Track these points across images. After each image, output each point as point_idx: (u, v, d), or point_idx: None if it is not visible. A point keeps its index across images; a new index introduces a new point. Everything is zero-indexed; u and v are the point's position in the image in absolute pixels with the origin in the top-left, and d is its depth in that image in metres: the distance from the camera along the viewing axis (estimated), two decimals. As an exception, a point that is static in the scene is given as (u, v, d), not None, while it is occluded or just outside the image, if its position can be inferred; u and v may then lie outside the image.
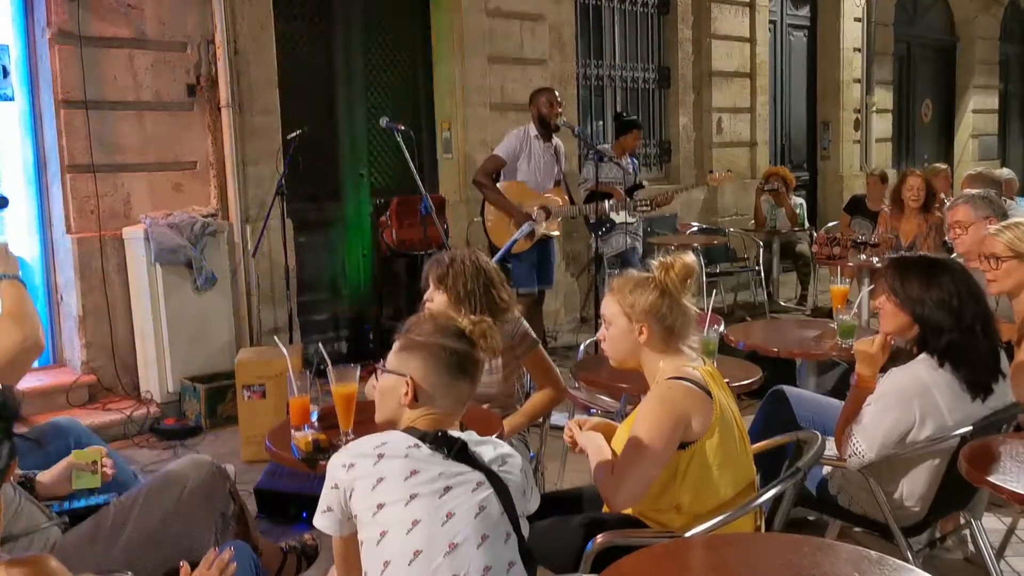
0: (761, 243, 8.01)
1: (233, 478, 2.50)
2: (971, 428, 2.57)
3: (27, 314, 2.24)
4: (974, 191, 4.12)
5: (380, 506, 1.86)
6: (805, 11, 10.75)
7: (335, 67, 6.41)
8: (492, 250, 5.42)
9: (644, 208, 6.49)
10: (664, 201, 6.77)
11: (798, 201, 8.46)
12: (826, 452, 2.60)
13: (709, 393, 2.33)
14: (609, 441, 2.48)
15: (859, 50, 11.08)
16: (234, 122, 5.58)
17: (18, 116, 5.16)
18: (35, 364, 5.22)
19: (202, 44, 5.50)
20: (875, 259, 5.70)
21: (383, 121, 4.98)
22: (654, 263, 2.46)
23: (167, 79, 5.39)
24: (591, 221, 6.41)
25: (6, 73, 4.99)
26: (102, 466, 2.48)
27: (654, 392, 2.35)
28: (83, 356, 5.16)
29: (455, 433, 2.00)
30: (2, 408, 1.70)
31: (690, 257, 2.45)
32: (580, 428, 2.57)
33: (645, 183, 7.20)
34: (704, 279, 7.11)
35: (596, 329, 6.09)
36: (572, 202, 6.21)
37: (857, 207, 7.86)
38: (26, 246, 5.22)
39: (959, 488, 2.62)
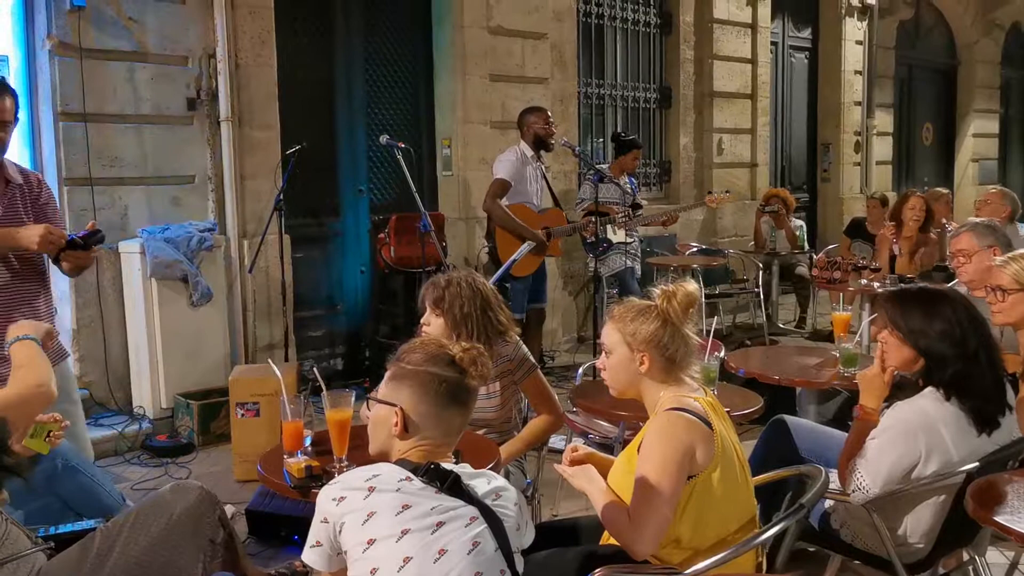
0: (760, 265, 7.97)
1: (229, 514, 2.45)
2: (977, 464, 2.53)
3: (40, 365, 2.32)
4: (978, 219, 4.09)
5: (371, 542, 1.81)
6: (807, 33, 10.76)
7: (335, 82, 6.39)
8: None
9: (638, 216, 6.48)
10: (670, 220, 6.76)
11: (798, 223, 8.44)
12: (829, 486, 2.56)
13: (710, 425, 2.28)
14: (604, 476, 2.42)
15: (860, 73, 11.09)
16: (233, 136, 5.55)
17: (16, 127, 5.11)
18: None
19: (203, 58, 5.48)
20: (876, 284, 5.67)
21: (383, 139, 4.96)
22: (656, 291, 2.42)
23: (167, 92, 5.36)
24: (588, 241, 6.40)
25: (4, 84, 4.96)
26: (54, 436, 2.43)
27: (655, 424, 2.30)
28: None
29: (448, 465, 1.95)
30: None
31: (692, 285, 2.42)
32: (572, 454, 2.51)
33: (644, 203, 7.17)
34: (703, 301, 7.09)
35: (594, 350, 6.10)
36: (568, 220, 6.19)
37: (857, 230, 7.84)
38: (21, 258, 5.17)
39: (964, 525, 2.57)
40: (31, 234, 2.97)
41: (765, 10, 9.56)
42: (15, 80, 5.04)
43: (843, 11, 10.69)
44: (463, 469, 1.95)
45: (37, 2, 5.04)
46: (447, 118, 6.94)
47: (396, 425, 2.01)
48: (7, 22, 5.04)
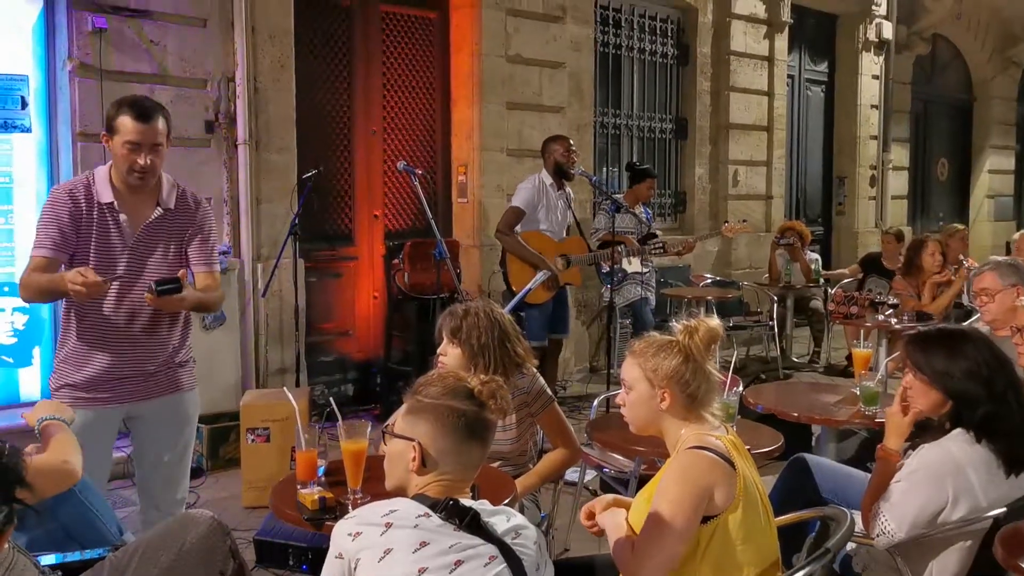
0: (775, 298, 7.92)
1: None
2: (1005, 509, 2.47)
3: (69, 444, 2.38)
4: (1000, 258, 4.05)
5: (388, 580, 1.76)
6: (823, 67, 10.77)
7: (354, 107, 6.40)
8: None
9: (658, 250, 6.44)
10: (687, 248, 6.73)
11: (813, 256, 8.39)
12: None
13: (733, 464, 2.23)
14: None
15: (876, 107, 11.08)
16: (250, 159, 5.55)
17: (35, 147, 5.13)
18: (36, 397, 5.17)
19: (222, 81, 5.50)
20: (893, 320, 5.61)
21: (401, 165, 4.95)
22: (677, 326, 2.37)
23: (185, 115, 5.36)
24: (603, 271, 6.36)
25: (24, 104, 4.97)
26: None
27: (676, 463, 2.25)
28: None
29: (467, 501, 1.91)
30: (5, 472, 1.65)
31: (715, 321, 2.37)
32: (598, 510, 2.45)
33: (659, 233, 7.14)
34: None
35: (607, 380, 6.05)
36: (589, 249, 6.15)
37: (873, 265, 7.79)
38: (35, 278, 5.16)
39: (992, 571, 2.50)
40: (66, 281, 2.85)
41: (782, 43, 9.57)
42: (34, 100, 5.07)
43: (860, 45, 10.70)
44: (482, 506, 1.91)
45: (59, 23, 5.06)
46: (464, 145, 6.94)
47: (414, 460, 1.96)
48: (28, 42, 5.07)
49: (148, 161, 2.94)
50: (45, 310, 5.21)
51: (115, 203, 3.00)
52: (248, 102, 5.51)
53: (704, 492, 2.17)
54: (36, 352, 5.20)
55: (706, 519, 2.20)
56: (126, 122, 2.90)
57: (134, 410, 3.14)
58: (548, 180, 5.96)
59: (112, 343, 3.04)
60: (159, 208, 3.08)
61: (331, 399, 2.76)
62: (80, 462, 2.34)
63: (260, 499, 4.30)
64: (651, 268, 6.94)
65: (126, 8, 5.10)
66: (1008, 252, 8.61)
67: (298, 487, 2.52)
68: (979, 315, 3.99)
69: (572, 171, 5.94)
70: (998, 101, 13.44)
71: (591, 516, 2.42)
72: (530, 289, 5.18)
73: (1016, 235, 6.09)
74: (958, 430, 2.56)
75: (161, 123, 2.96)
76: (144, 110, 2.92)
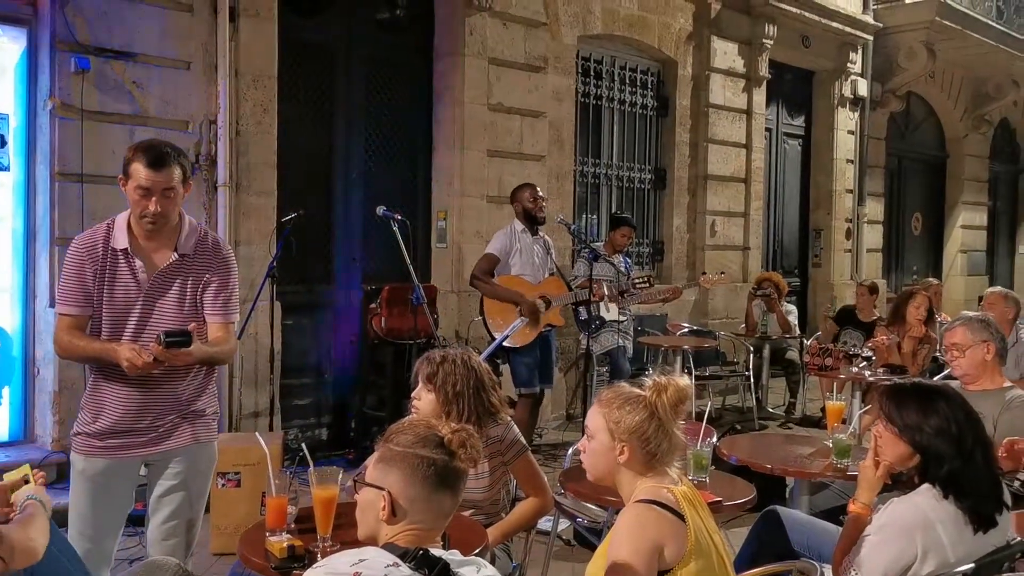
0: (751, 348, 7.95)
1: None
2: (973, 565, 2.48)
3: (39, 526, 2.36)
4: (972, 314, 4.10)
5: (354, 632, 1.74)
6: (800, 121, 10.95)
7: (335, 152, 6.43)
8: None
9: (643, 285, 6.44)
10: (675, 294, 6.77)
11: (790, 308, 8.46)
12: (823, 583, 2.50)
13: (683, 518, 2.22)
14: None
15: (852, 161, 11.26)
16: (230, 202, 5.56)
17: (12, 186, 5.12)
18: (4, 439, 5.09)
19: (204, 123, 5.52)
20: (867, 372, 5.65)
21: (380, 210, 4.95)
22: (648, 382, 2.36)
23: (166, 156, 5.37)
24: (581, 318, 6.37)
25: (3, 143, 4.98)
26: (35, 479, 2.51)
27: (623, 517, 2.23)
28: (55, 433, 5.01)
29: (437, 551, 1.89)
30: None
31: (684, 381, 2.36)
32: None
33: (638, 282, 7.16)
34: (693, 382, 7.05)
35: (583, 428, 6.01)
36: (570, 289, 6.16)
37: (847, 318, 7.85)
38: (8, 318, 5.12)
39: (960, 627, 2.50)
40: (120, 355, 2.81)
41: (760, 97, 9.73)
42: (13, 138, 5.07)
43: (836, 101, 10.91)
44: (452, 556, 1.89)
45: (41, 63, 5.09)
46: (444, 191, 6.98)
47: (384, 509, 1.95)
48: (10, 81, 5.08)
49: (158, 207, 2.89)
50: (16, 348, 5.17)
51: (129, 249, 2.96)
52: (230, 145, 5.53)
53: (654, 546, 2.15)
54: (5, 392, 5.15)
55: (660, 574, 2.19)
56: (138, 168, 2.87)
57: (149, 458, 3.08)
58: (520, 227, 5.99)
59: (126, 390, 2.97)
60: (175, 254, 3.01)
61: (303, 444, 2.74)
62: (44, 545, 2.32)
63: (229, 545, 4.23)
64: (629, 316, 6.97)
65: (110, 49, 5.13)
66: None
67: (267, 534, 2.49)
68: (949, 370, 4.03)
69: (541, 216, 5.96)
70: (971, 159, 13.70)
71: None
72: (507, 335, 5.18)
73: (987, 291, 6.16)
74: (926, 485, 2.57)
75: (176, 170, 2.91)
76: (157, 156, 2.87)
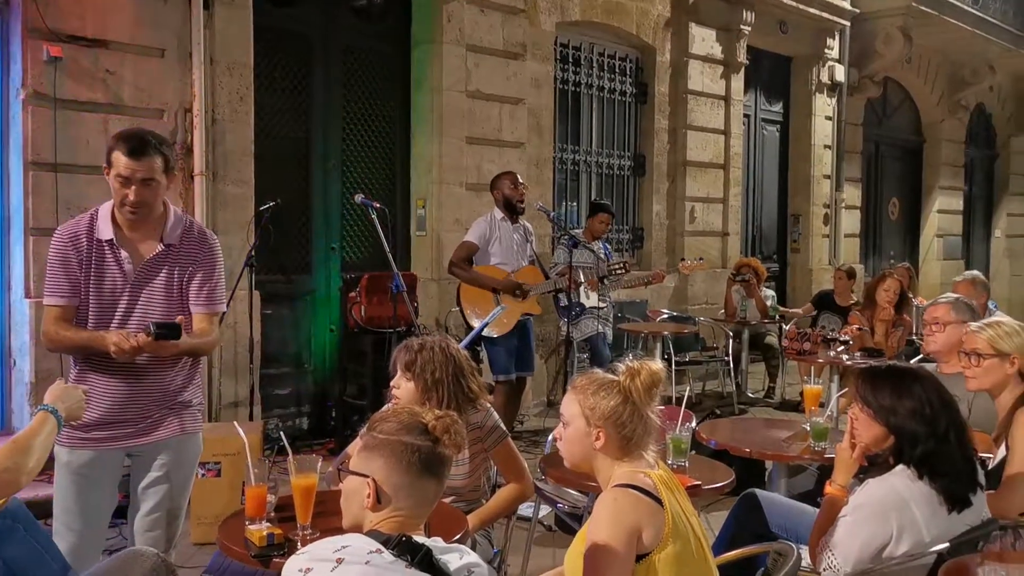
0: (731, 333, 8.00)
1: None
2: (948, 544, 2.50)
3: (25, 447, 2.26)
4: (958, 296, 4.15)
5: (336, 618, 1.74)
6: (778, 107, 10.99)
7: (312, 140, 6.40)
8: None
9: (620, 272, 6.47)
10: (657, 279, 6.81)
11: (769, 293, 8.51)
12: (801, 564, 2.52)
13: (660, 502, 2.23)
14: None
15: (829, 147, 11.32)
16: (206, 191, 5.52)
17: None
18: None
19: (179, 112, 5.47)
20: (845, 356, 5.70)
21: (358, 198, 4.93)
22: (621, 367, 2.37)
23: (141, 145, 5.32)
24: (561, 304, 6.38)
25: (-25, 132, 4.92)
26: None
27: (602, 501, 2.24)
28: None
29: (420, 538, 1.89)
30: None
31: (657, 364, 2.36)
32: None
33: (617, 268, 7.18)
34: (673, 368, 7.09)
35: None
36: (547, 278, 6.17)
37: (825, 302, 7.91)
38: (-18, 308, 5.07)
39: (936, 606, 2.53)
40: (107, 341, 2.79)
41: (738, 83, 9.75)
42: (-13, 128, 5.01)
43: (813, 87, 10.95)
44: (435, 543, 1.90)
45: (13, 52, 5.02)
46: (423, 179, 6.97)
47: (368, 497, 1.95)
48: (-18, 70, 5.02)
49: (138, 196, 2.86)
50: (-8, 341, 5.12)
51: (115, 240, 2.93)
52: (206, 133, 5.48)
53: (632, 530, 2.16)
54: (-18, 383, 5.10)
55: (638, 559, 2.20)
56: (119, 156, 2.84)
57: (134, 450, 3.06)
58: (499, 215, 5.98)
59: (112, 381, 2.95)
60: (161, 244, 2.98)
61: (282, 433, 2.73)
62: (30, 469, 2.23)
63: (209, 535, 4.21)
64: (608, 303, 6.98)
65: (83, 38, 5.07)
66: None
67: (247, 523, 2.48)
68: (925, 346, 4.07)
69: (520, 205, 5.96)
70: (947, 143, 13.81)
71: None
72: (486, 324, 5.19)
73: (958, 277, 6.23)
74: (900, 466, 2.60)
75: (157, 159, 2.87)
76: (137, 145, 2.84)
